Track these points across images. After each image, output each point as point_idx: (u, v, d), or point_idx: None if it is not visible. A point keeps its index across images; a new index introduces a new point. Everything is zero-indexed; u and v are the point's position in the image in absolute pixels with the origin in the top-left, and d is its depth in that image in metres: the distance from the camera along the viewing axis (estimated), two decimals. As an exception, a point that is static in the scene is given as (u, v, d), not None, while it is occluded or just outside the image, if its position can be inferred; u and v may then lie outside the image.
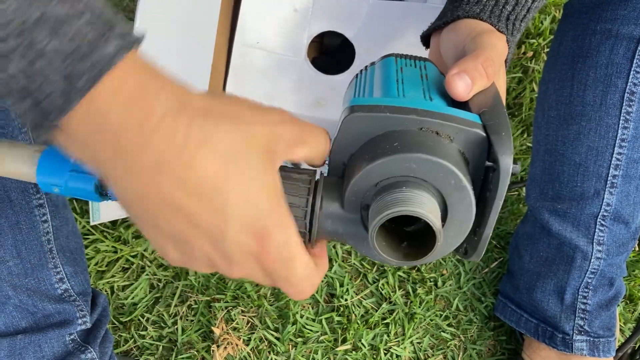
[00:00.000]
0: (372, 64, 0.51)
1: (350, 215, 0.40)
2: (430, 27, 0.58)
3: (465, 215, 0.39)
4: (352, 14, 0.73)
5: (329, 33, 0.74)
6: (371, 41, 0.72)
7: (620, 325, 0.91)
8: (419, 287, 0.90)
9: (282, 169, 0.41)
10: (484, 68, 0.45)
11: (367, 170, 0.38)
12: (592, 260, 0.78)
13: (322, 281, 0.89)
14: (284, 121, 0.36)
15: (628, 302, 0.93)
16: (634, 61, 0.73)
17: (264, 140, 0.35)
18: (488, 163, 0.40)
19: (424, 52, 0.73)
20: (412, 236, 0.41)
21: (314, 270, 0.39)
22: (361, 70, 0.52)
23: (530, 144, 0.98)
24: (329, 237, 0.42)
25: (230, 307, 0.86)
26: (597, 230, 0.78)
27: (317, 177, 0.42)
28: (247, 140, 0.34)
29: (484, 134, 0.40)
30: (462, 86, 0.44)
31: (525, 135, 0.99)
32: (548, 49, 1.02)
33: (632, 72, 0.73)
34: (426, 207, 0.37)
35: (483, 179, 0.41)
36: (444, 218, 0.39)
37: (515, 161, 0.39)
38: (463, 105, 0.44)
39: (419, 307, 0.89)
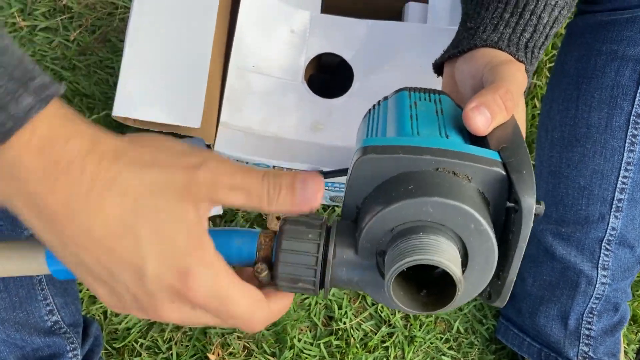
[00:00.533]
0: (385, 98, 0.49)
1: (365, 261, 0.39)
2: (445, 55, 0.56)
3: (487, 261, 0.37)
4: (351, 35, 0.71)
5: (327, 53, 0.72)
6: (370, 63, 0.70)
7: (624, 346, 0.90)
8: (419, 309, 0.88)
9: (287, 221, 0.39)
10: (504, 101, 0.43)
11: (382, 215, 0.36)
12: (596, 286, 0.77)
13: (320, 303, 0.87)
14: (206, 164, 0.34)
15: (632, 323, 0.92)
16: (641, 83, 0.71)
17: (180, 182, 0.34)
18: (509, 204, 0.37)
19: (424, 73, 0.71)
20: (431, 283, 0.38)
21: (260, 306, 0.37)
22: (374, 106, 0.50)
23: (532, 162, 0.96)
24: (343, 285, 0.40)
25: (226, 333, 0.84)
26: (602, 254, 0.76)
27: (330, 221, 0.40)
28: (160, 181, 0.33)
29: (504, 173, 0.37)
30: (481, 120, 0.42)
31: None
32: (550, 64, 1.00)
33: (638, 95, 0.72)
34: (445, 255, 0.35)
35: (505, 219, 0.39)
36: (464, 263, 0.37)
37: (538, 201, 0.37)
38: (481, 141, 0.42)
39: (419, 329, 0.87)
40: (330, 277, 0.38)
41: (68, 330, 0.66)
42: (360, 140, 0.41)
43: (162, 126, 0.62)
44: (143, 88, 0.62)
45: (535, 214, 0.37)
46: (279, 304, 0.39)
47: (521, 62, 0.52)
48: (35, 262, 0.41)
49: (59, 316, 0.65)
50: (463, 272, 0.37)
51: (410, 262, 0.34)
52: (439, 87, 0.69)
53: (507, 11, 0.54)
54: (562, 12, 0.55)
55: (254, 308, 0.36)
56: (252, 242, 0.39)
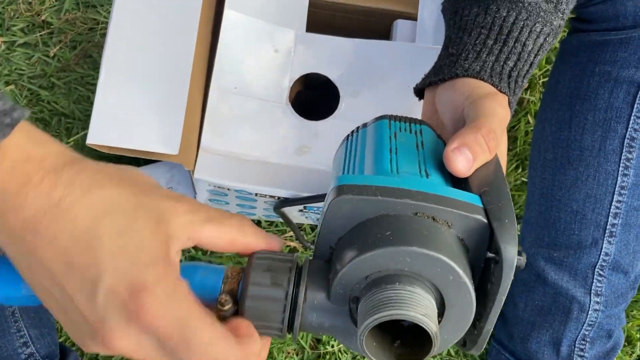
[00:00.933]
0: (365, 125, 0.47)
1: (337, 307, 0.37)
2: (425, 81, 0.54)
3: (465, 312, 0.36)
4: (337, 54, 0.68)
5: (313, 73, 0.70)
6: (357, 83, 0.68)
7: (617, 371, 0.88)
8: (408, 334, 0.86)
9: (256, 255, 0.37)
10: (486, 141, 0.42)
11: (357, 262, 0.34)
12: (589, 312, 0.75)
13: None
14: (187, 200, 0.34)
15: (627, 344, 0.90)
16: (635, 106, 0.70)
17: (158, 209, 0.33)
18: (490, 254, 0.36)
19: (412, 94, 0.69)
20: (405, 333, 0.37)
21: (226, 340, 0.32)
22: (353, 132, 0.48)
23: (525, 179, 0.94)
24: (312, 330, 0.38)
25: None
26: (595, 280, 0.75)
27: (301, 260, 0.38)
28: (138, 202, 0.32)
29: (486, 221, 0.36)
30: (462, 162, 0.41)
31: (520, 170, 0.95)
32: (544, 79, 0.98)
33: (632, 118, 0.71)
34: (421, 309, 0.33)
35: (484, 268, 0.37)
36: (440, 313, 0.36)
37: (520, 253, 0.36)
38: (462, 180, 0.41)
39: (408, 355, 0.85)
40: (299, 321, 0.36)
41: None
42: (335, 178, 0.39)
43: (139, 153, 0.59)
44: (119, 114, 0.59)
45: (516, 266, 0.35)
46: (253, 347, 0.34)
47: (504, 93, 0.50)
48: None
49: (33, 348, 0.63)
50: (439, 322, 0.36)
51: (385, 317, 0.33)
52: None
53: (491, 38, 0.51)
54: (547, 39, 0.53)
55: (219, 343, 0.32)
56: (218, 275, 0.37)
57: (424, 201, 0.36)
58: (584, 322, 0.76)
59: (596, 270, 0.74)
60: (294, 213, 0.78)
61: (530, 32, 0.52)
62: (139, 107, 0.60)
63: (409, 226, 0.35)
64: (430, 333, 0.33)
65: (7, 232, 0.32)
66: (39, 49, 0.90)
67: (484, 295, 0.37)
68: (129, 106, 0.61)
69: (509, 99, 0.50)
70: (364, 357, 0.84)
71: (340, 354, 0.84)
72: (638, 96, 0.70)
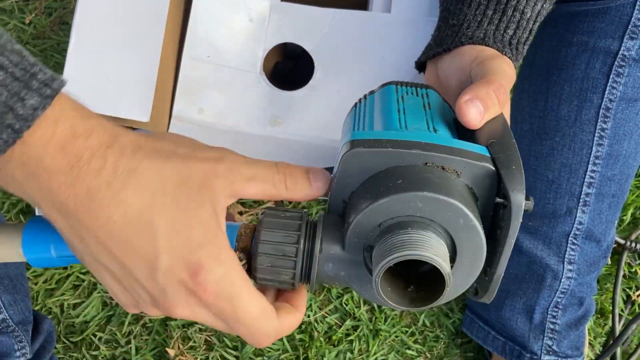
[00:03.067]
0: (372, 92, 0.49)
1: (352, 256, 0.38)
2: (429, 53, 0.55)
3: (476, 256, 0.37)
4: (312, 24, 0.68)
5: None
6: (332, 54, 0.67)
7: (590, 339, 0.90)
8: (385, 302, 0.87)
9: (266, 212, 0.39)
10: (497, 95, 0.43)
11: (370, 210, 0.36)
12: (562, 280, 0.77)
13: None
14: (225, 158, 0.36)
15: (599, 316, 0.91)
16: (610, 76, 0.70)
17: (199, 175, 0.35)
18: (498, 200, 0.37)
19: (387, 65, 0.69)
20: (419, 279, 0.38)
21: (269, 315, 0.37)
22: (360, 99, 0.49)
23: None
24: (329, 281, 0.40)
25: (186, 325, 0.83)
26: (568, 249, 0.76)
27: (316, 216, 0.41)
28: (179, 174, 0.34)
29: (494, 168, 0.37)
30: (474, 113, 0.41)
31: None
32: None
33: (608, 88, 0.71)
34: (434, 250, 0.35)
35: (493, 215, 0.38)
36: (452, 259, 0.37)
37: (527, 197, 0.37)
38: (470, 136, 0.42)
39: (384, 323, 0.86)
40: (316, 271, 0.38)
41: (16, 328, 0.64)
42: (347, 134, 0.40)
43: (109, 119, 0.59)
44: (89, 79, 0.59)
45: (524, 210, 0.37)
46: (289, 319, 0.39)
47: (509, 57, 0.51)
48: (11, 249, 0.40)
49: (6, 314, 0.63)
50: (451, 267, 0.37)
51: (399, 257, 0.34)
52: (401, 79, 0.67)
53: (490, 8, 0.53)
54: (544, 5, 0.54)
55: (263, 318, 0.36)
56: (232, 233, 0.39)
57: (433, 151, 0.37)
58: (557, 290, 0.77)
59: (570, 238, 0.75)
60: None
61: (528, 0, 0.53)
62: (110, 74, 0.60)
63: (420, 174, 0.37)
64: (442, 272, 0.34)
65: (58, 208, 0.34)
66: (14, 15, 0.89)
67: (493, 241, 0.38)
68: (99, 73, 0.60)
69: (512, 62, 0.51)
70: (339, 327, 0.86)
71: (316, 324, 0.85)
72: (614, 66, 0.70)
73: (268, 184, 0.37)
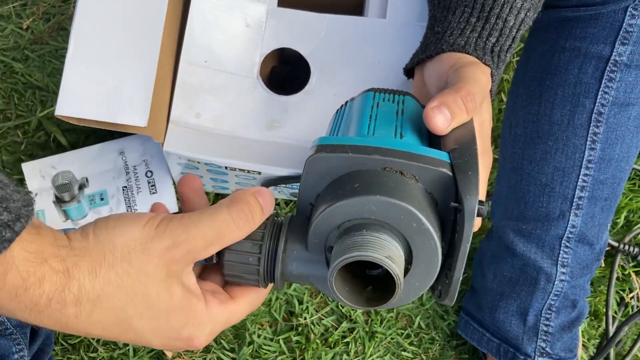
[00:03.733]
0: (353, 99, 0.50)
1: (315, 256, 0.40)
2: (414, 59, 0.56)
3: (431, 259, 0.38)
4: (309, 29, 0.69)
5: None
6: (328, 59, 0.68)
7: (583, 341, 0.90)
8: (381, 305, 0.87)
9: None
10: (464, 102, 0.44)
11: (327, 212, 0.37)
12: (555, 283, 0.77)
13: (282, 298, 0.86)
14: (179, 243, 0.37)
15: (593, 318, 0.92)
16: (602, 81, 0.71)
17: (160, 271, 0.37)
18: (453, 204, 0.38)
19: (382, 70, 0.70)
20: (376, 280, 0.39)
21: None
22: (342, 105, 0.50)
23: (497, 156, 0.95)
24: (295, 280, 0.41)
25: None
26: (561, 252, 0.76)
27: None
28: (140, 281, 0.36)
29: (450, 174, 0.38)
30: (440, 120, 0.43)
31: (492, 147, 0.96)
32: (517, 57, 0.99)
33: (600, 93, 0.72)
34: (385, 252, 0.36)
35: (453, 219, 0.39)
36: (409, 261, 0.38)
37: (481, 202, 0.38)
38: (437, 141, 0.43)
39: (380, 325, 0.87)
40: (280, 270, 0.40)
41: (14, 331, 0.64)
42: (316, 139, 0.41)
43: (108, 125, 0.60)
44: (87, 85, 0.59)
45: (478, 215, 0.38)
46: (237, 308, 0.42)
47: (488, 65, 0.52)
48: None
49: (4, 317, 0.63)
50: (408, 269, 0.38)
51: (349, 258, 0.36)
52: (395, 84, 0.68)
53: (474, 15, 0.54)
54: (528, 14, 0.55)
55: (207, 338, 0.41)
56: None
57: (392, 156, 0.38)
58: (550, 292, 0.78)
59: (563, 242, 0.76)
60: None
61: (511, 8, 0.53)
62: (108, 80, 0.60)
63: (377, 179, 0.38)
64: (392, 272, 0.35)
65: (37, 324, 0.36)
66: (12, 20, 0.89)
67: (452, 245, 0.39)
68: (98, 78, 0.61)
69: (492, 71, 0.52)
70: (335, 329, 0.86)
71: (312, 326, 0.86)
72: (606, 71, 0.71)
73: (223, 242, 0.39)
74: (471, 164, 0.39)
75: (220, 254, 0.40)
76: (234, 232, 0.38)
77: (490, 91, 0.53)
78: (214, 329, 0.40)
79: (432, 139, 0.44)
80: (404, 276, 0.38)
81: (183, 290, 0.38)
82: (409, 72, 0.59)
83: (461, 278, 0.39)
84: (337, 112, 0.50)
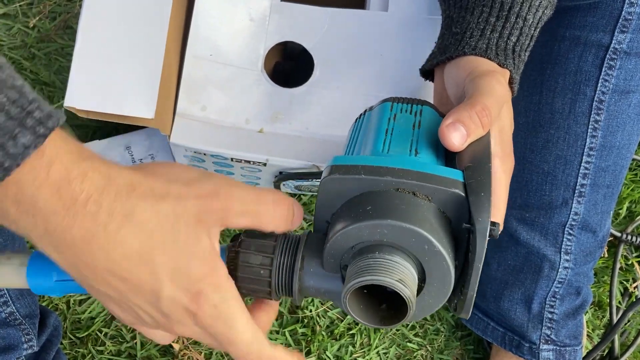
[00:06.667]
0: (371, 108, 0.50)
1: (331, 274, 0.40)
2: (433, 61, 0.56)
3: (444, 279, 0.38)
4: (312, 23, 0.70)
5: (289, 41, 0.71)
6: (331, 52, 0.69)
7: (588, 331, 0.91)
8: (386, 296, 0.88)
9: (244, 233, 0.41)
10: (480, 118, 0.44)
11: (342, 234, 0.38)
12: (559, 270, 0.78)
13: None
14: (218, 194, 0.37)
15: (597, 308, 0.93)
16: (603, 69, 0.72)
17: (194, 213, 0.36)
18: (465, 225, 0.39)
19: (384, 63, 0.70)
20: (391, 298, 0.39)
21: (261, 341, 0.39)
22: (360, 115, 0.51)
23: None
24: (312, 294, 0.42)
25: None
26: (564, 239, 0.77)
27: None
28: (174, 214, 0.35)
29: (463, 194, 0.38)
30: (456, 137, 0.43)
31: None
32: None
33: (600, 81, 0.72)
34: (396, 275, 0.36)
35: (467, 237, 0.39)
36: (423, 279, 0.39)
37: (493, 223, 0.38)
38: (453, 155, 0.43)
39: (386, 316, 0.87)
40: (298, 285, 0.40)
41: (23, 321, 0.65)
42: (331, 158, 0.42)
43: (115, 117, 0.61)
44: (95, 78, 0.60)
45: (491, 236, 0.38)
46: (281, 354, 0.40)
47: (509, 69, 0.51)
48: (16, 278, 0.42)
49: (13, 307, 0.64)
50: (422, 288, 0.39)
51: (362, 282, 0.36)
52: (397, 76, 0.69)
53: (493, 15, 0.53)
54: (545, 11, 0.55)
55: (255, 343, 0.38)
56: (222, 253, 0.41)
57: (404, 177, 0.39)
58: (554, 280, 0.78)
59: (566, 229, 0.76)
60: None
61: (530, 7, 0.53)
62: (115, 73, 0.61)
63: (389, 201, 0.38)
64: (403, 295, 0.36)
65: (55, 246, 0.35)
66: (18, 19, 0.91)
67: (466, 263, 0.39)
68: (105, 73, 0.62)
69: (512, 75, 0.52)
70: (341, 321, 0.87)
71: (318, 318, 0.86)
72: (606, 59, 0.71)
73: (256, 219, 0.38)
74: (484, 184, 0.39)
75: (234, 274, 0.40)
76: (271, 215, 0.39)
77: (512, 92, 0.52)
78: (222, 308, 0.37)
79: (448, 152, 0.44)
80: (418, 294, 0.39)
81: (210, 245, 0.37)
82: (426, 73, 0.58)
83: (474, 296, 0.39)
84: (355, 122, 0.51)
